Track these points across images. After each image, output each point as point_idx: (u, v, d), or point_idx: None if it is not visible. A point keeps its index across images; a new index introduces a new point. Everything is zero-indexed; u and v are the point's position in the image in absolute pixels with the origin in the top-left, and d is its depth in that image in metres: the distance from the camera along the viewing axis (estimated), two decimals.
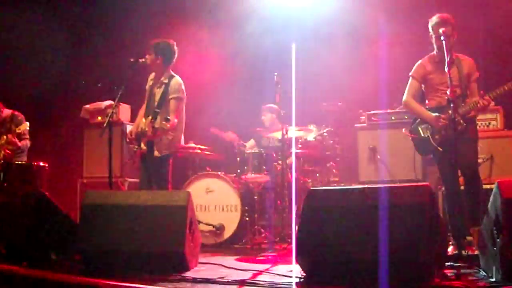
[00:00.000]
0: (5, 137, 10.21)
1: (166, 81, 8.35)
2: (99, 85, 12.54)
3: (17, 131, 10.18)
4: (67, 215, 7.23)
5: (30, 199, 7.30)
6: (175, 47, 8.47)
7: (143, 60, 8.40)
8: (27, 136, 10.53)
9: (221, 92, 11.50)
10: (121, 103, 10.61)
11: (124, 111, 11.58)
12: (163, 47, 8.42)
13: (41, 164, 10.16)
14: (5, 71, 12.44)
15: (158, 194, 6.87)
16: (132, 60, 8.43)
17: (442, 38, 7.06)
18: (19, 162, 9.97)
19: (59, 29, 12.95)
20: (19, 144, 10.28)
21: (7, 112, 10.73)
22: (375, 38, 10.84)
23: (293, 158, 9.16)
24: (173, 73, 8.45)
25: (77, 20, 13.21)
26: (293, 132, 9.15)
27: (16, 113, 10.68)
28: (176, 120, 8.10)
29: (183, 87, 8.35)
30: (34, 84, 12.03)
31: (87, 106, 11.84)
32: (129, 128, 11.20)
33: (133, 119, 11.68)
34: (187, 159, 10.18)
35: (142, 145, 8.17)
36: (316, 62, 10.76)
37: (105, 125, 8.11)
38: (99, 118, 11.52)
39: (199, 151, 9.84)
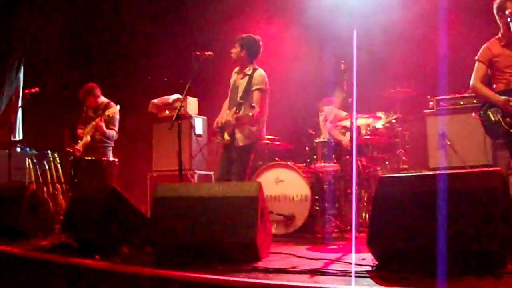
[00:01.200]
0: (93, 122, 10.31)
1: (249, 72, 8.49)
2: (166, 79, 12.69)
3: (106, 113, 10.26)
4: (138, 209, 7.32)
5: (100, 194, 7.41)
6: (260, 42, 8.58)
7: (209, 53, 8.47)
8: (116, 127, 10.65)
9: (285, 84, 11.48)
10: (188, 97, 10.70)
11: (192, 104, 11.67)
12: (249, 41, 8.63)
13: (111, 159, 10.29)
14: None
15: (228, 186, 6.88)
16: (198, 53, 8.49)
17: (509, 19, 6.95)
18: (89, 158, 10.08)
19: (129, 24, 13.15)
20: (105, 130, 10.37)
21: (103, 100, 10.84)
22: (441, 22, 10.70)
23: (353, 146, 9.09)
24: (256, 66, 8.53)
25: (142, 16, 13.34)
26: (355, 120, 9.12)
27: (112, 103, 10.79)
28: (258, 110, 8.15)
29: (266, 79, 8.46)
30: (101, 79, 12.18)
31: (155, 100, 11.96)
32: (197, 121, 11.33)
33: (201, 112, 11.80)
34: (256, 150, 10.19)
35: (226, 135, 8.26)
36: (382, 49, 10.69)
37: (174, 118, 8.18)
38: (167, 112, 11.65)
39: (267, 141, 9.84)
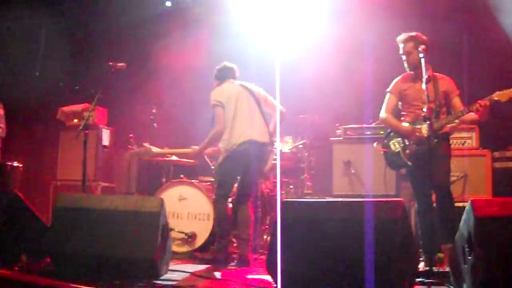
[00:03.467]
0: None
1: None
2: (77, 87, 12.53)
3: None
4: (39, 217, 7.21)
5: (2, 199, 7.27)
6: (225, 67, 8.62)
7: (121, 64, 8.45)
8: (2, 124, 10.37)
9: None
10: (98, 107, 10.60)
11: (101, 114, 11.56)
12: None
13: (15, 164, 10.08)
14: None
15: (131, 200, 6.86)
16: (111, 64, 8.44)
17: (421, 55, 7.12)
18: None
19: (38, 29, 12.94)
20: None
21: None
22: (355, 54, 10.88)
23: (277, 170, 9.13)
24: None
25: (56, 22, 13.15)
26: (278, 144, 9.20)
27: None
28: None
29: (212, 96, 8.31)
30: (10, 84, 11.96)
31: (64, 108, 11.79)
32: (105, 132, 11.22)
33: (109, 123, 11.68)
34: (162, 166, 10.13)
35: None
36: (294, 74, 10.79)
37: (81, 128, 8.11)
38: (76, 120, 11.47)
39: (174, 158, 9.78)
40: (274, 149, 8.81)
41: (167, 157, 9.57)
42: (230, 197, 8.45)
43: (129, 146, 9.97)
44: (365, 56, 10.53)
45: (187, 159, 9.84)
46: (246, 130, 8.03)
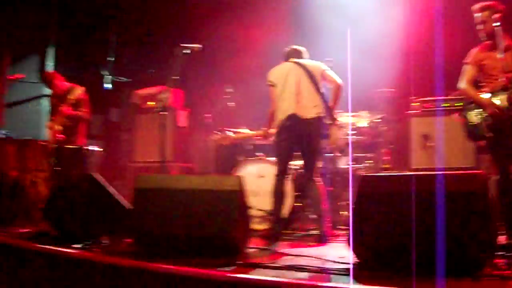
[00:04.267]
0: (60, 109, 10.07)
1: None
2: (152, 70, 12.66)
3: (71, 98, 10.03)
4: (119, 199, 7.30)
5: (83, 183, 7.39)
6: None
7: (197, 46, 8.46)
8: (85, 108, 10.31)
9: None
10: (173, 88, 10.68)
11: (177, 96, 11.65)
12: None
13: (94, 148, 10.21)
14: None
15: (210, 179, 6.89)
16: (185, 45, 8.48)
17: (496, 24, 7.01)
18: (72, 146, 9.96)
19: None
20: (73, 112, 10.14)
21: (66, 85, 10.58)
22: (428, 25, 10.74)
23: (349, 144, 9.11)
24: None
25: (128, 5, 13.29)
26: (346, 118, 9.16)
27: (75, 86, 10.30)
28: None
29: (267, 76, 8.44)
30: (88, 68, 12.14)
31: (139, 91, 11.93)
32: (181, 113, 11.31)
33: (186, 103, 11.78)
34: (238, 145, 10.15)
35: None
36: (369, 48, 10.70)
37: (157, 109, 8.18)
38: (151, 103, 11.59)
39: (249, 135, 9.79)
40: (338, 124, 8.74)
41: (243, 135, 9.57)
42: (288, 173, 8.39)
43: (212, 131, 10.01)
44: (436, 28, 10.39)
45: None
46: (290, 106, 8.09)
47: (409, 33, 10.92)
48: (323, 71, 8.32)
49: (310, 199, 8.19)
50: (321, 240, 7.77)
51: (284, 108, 8.13)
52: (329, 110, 8.26)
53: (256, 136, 9.52)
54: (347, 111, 9.39)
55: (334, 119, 8.37)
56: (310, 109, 8.11)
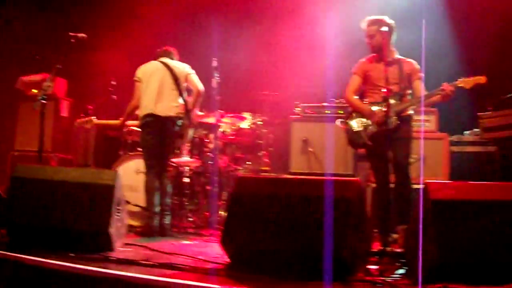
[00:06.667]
0: None
1: None
2: (37, 57, 12.42)
3: None
4: None
5: None
6: None
7: (83, 35, 8.41)
8: None
9: None
10: (57, 77, 10.52)
11: (60, 85, 11.48)
12: None
13: None
14: None
15: (87, 172, 6.87)
16: (71, 34, 8.40)
17: (383, 38, 7.29)
18: None
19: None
20: None
21: None
22: (318, 33, 10.94)
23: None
24: None
25: None
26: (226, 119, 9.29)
27: None
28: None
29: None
30: None
31: (24, 77, 11.70)
32: (64, 103, 11.16)
33: (69, 94, 11.61)
34: (120, 139, 10.08)
35: None
36: (253, 53, 10.83)
37: (39, 98, 8.05)
38: (35, 90, 11.38)
39: (109, 124, 9.72)
40: (195, 125, 9.08)
41: (126, 130, 9.53)
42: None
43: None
44: (328, 37, 10.59)
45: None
46: (150, 104, 8.37)
47: (298, 40, 11.09)
48: (187, 74, 8.65)
49: (160, 192, 8.36)
50: (148, 233, 8.11)
51: (145, 104, 8.41)
52: (188, 112, 8.55)
53: (113, 126, 9.49)
54: (228, 112, 9.53)
55: (191, 121, 8.64)
56: (170, 108, 8.43)
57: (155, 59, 8.77)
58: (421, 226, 5.29)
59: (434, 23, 10.24)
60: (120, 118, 8.94)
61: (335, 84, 8.68)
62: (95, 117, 9.54)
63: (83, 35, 8.43)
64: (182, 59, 8.87)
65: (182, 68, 8.69)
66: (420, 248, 5.23)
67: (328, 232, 5.12)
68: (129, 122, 9.00)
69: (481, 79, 7.23)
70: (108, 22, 12.09)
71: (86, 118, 9.54)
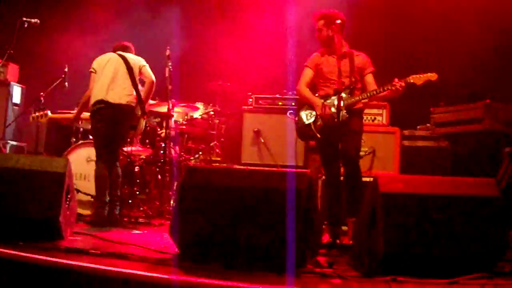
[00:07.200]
0: None
1: None
2: None
3: None
4: None
5: None
6: None
7: (36, 20, 8.37)
8: None
9: None
10: (9, 62, 10.42)
11: (13, 71, 11.36)
12: None
13: None
14: None
15: (37, 159, 6.77)
16: (24, 19, 8.33)
17: (332, 32, 7.37)
18: None
19: None
20: None
21: None
22: (275, 24, 10.98)
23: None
24: None
25: None
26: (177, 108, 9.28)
27: None
28: None
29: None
30: None
31: None
32: (16, 89, 11.05)
33: (21, 80, 11.49)
34: (72, 127, 10.02)
35: None
36: (208, 43, 10.83)
37: None
38: None
39: (64, 117, 9.65)
40: (146, 116, 9.00)
41: (78, 118, 9.48)
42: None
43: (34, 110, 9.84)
44: (284, 29, 10.64)
45: None
46: (101, 92, 8.38)
47: (254, 31, 11.12)
48: (141, 66, 8.69)
49: (110, 181, 8.35)
50: (98, 222, 8.09)
51: (96, 92, 8.41)
52: (141, 103, 8.55)
53: (68, 119, 9.42)
54: (180, 101, 9.55)
55: (144, 112, 8.63)
56: (121, 96, 8.44)
57: (112, 52, 8.77)
58: (369, 219, 5.37)
59: (387, 17, 10.38)
60: (75, 109, 8.89)
61: (290, 76, 8.69)
62: (49, 111, 9.42)
63: (36, 20, 8.37)
64: (136, 47, 8.86)
65: (137, 60, 8.74)
66: (369, 241, 5.31)
67: (278, 223, 5.15)
68: (84, 114, 8.91)
69: (432, 76, 7.29)
70: (62, 7, 12.00)
71: (41, 112, 9.42)
